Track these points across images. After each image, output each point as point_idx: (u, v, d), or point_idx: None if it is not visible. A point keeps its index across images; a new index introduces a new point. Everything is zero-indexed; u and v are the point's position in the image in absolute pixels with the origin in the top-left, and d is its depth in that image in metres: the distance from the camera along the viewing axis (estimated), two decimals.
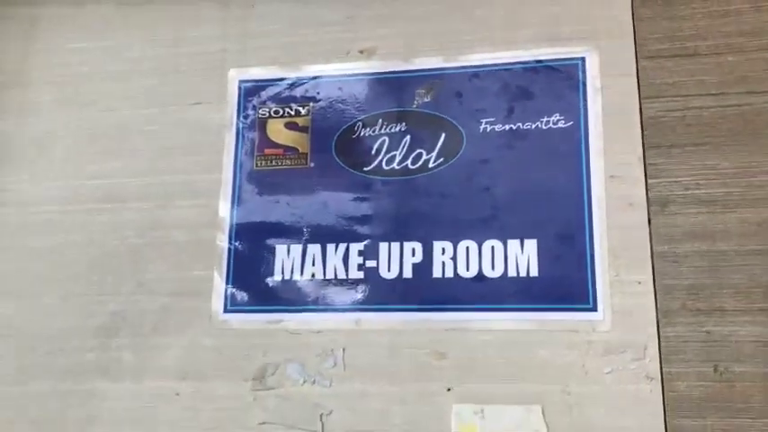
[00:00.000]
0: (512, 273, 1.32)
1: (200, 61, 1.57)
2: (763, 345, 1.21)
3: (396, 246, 1.38)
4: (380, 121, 1.46)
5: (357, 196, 1.43)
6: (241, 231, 1.46)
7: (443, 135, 1.42)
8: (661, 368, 1.22)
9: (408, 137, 1.44)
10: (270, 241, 1.44)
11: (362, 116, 1.47)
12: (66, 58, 1.64)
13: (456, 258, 1.35)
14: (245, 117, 1.53)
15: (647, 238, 1.28)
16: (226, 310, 1.42)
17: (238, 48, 1.56)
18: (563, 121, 1.38)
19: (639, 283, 1.27)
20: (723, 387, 1.20)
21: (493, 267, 1.33)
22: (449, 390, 1.29)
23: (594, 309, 1.27)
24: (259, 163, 1.49)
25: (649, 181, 1.31)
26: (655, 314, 1.25)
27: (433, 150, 1.42)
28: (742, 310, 1.22)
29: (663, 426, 1.20)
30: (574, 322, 1.28)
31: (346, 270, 1.39)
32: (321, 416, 1.33)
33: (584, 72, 1.40)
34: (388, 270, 1.38)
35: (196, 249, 1.46)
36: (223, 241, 1.46)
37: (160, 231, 1.49)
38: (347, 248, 1.40)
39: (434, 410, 1.29)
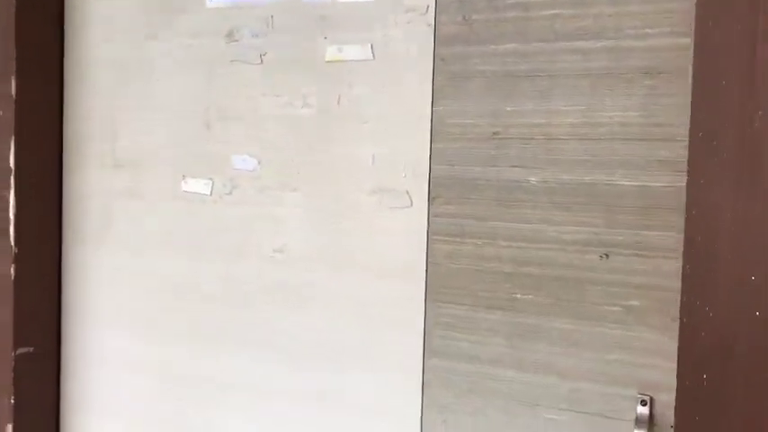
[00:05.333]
0: None
1: None
2: None
3: None
4: None
5: None
6: None
7: None
8: (435, 17, 2.07)
9: None
10: None
11: None
12: None
13: None
14: None
15: None
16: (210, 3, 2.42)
17: None
18: None
19: None
20: (467, 29, 2.04)
21: None
22: (325, 38, 2.23)
23: None
24: None
25: None
26: None
27: None
28: None
29: (432, 41, 2.08)
30: None
31: None
32: (260, 56, 2.33)
33: None
34: None
35: None
36: None
37: None
38: None
39: (312, 43, 2.25)
